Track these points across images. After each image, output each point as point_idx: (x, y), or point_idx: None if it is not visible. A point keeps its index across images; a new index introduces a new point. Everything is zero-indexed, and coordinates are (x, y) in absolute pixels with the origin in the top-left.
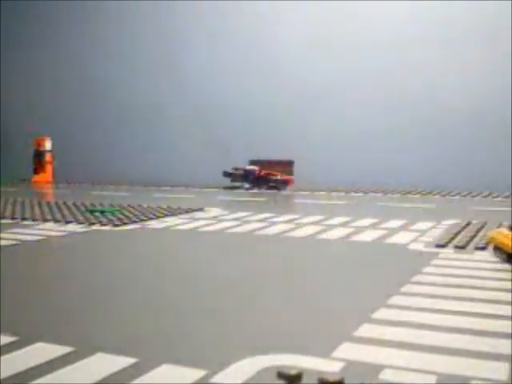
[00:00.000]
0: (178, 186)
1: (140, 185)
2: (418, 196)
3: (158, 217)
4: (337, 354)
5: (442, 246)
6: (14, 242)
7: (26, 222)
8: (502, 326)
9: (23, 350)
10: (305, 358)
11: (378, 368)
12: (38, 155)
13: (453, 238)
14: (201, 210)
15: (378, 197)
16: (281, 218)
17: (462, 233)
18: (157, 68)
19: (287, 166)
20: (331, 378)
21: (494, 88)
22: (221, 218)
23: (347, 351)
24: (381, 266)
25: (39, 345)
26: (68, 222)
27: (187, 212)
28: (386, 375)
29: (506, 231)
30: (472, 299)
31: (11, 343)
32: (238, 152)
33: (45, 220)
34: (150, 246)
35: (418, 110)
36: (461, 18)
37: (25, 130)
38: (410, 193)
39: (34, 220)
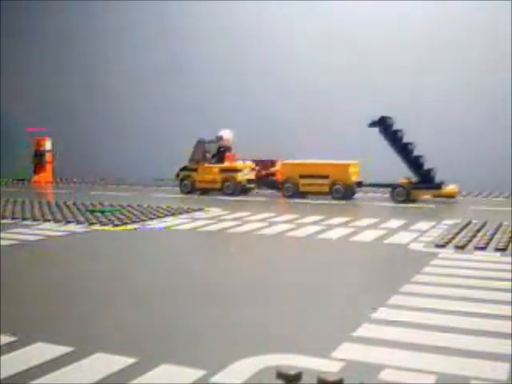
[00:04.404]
0: (177, 186)
1: (140, 185)
2: None
3: (158, 217)
4: (337, 354)
5: (442, 246)
6: (14, 242)
7: (26, 222)
8: (502, 325)
9: (23, 350)
10: (305, 358)
11: (378, 368)
12: (38, 155)
13: (453, 238)
14: (201, 209)
15: (377, 197)
16: (281, 218)
17: (462, 233)
18: (156, 68)
19: None
20: (331, 378)
21: (497, 87)
22: (221, 218)
23: (347, 351)
24: (380, 266)
25: (39, 345)
26: (68, 222)
27: (187, 212)
28: (385, 375)
29: None
30: (472, 299)
31: (11, 343)
32: (238, 152)
33: (45, 220)
34: (150, 246)
35: (420, 110)
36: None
37: (25, 130)
38: None
39: (34, 220)
